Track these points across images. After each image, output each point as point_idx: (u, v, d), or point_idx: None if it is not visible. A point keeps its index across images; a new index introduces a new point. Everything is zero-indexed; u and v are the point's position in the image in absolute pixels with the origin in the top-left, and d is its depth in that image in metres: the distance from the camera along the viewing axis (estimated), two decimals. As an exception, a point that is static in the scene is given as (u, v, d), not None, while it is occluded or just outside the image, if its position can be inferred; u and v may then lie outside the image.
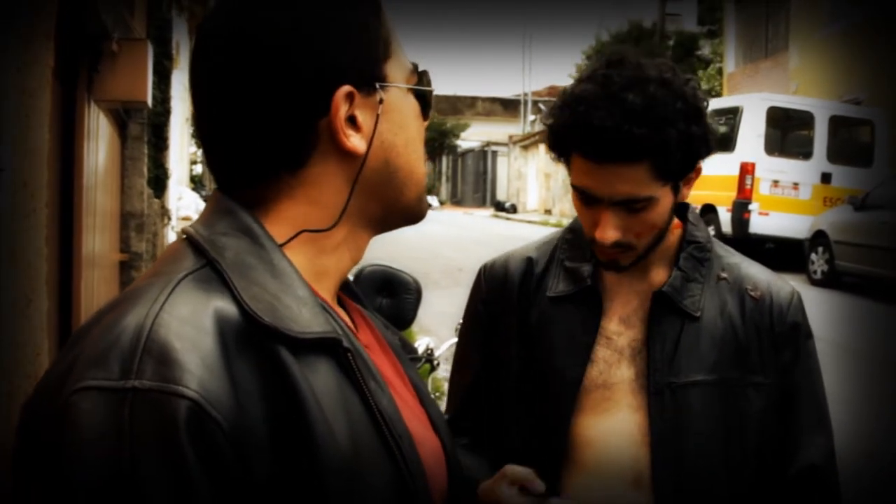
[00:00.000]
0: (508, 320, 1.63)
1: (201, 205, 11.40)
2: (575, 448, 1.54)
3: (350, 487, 0.84)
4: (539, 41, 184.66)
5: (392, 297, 2.31)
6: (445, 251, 16.03)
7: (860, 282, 11.46)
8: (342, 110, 0.93)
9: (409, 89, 1.00)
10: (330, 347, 0.88)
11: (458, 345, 1.74)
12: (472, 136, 45.47)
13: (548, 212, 31.92)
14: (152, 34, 7.33)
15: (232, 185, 0.95)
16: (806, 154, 13.48)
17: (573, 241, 1.65)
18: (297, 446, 0.82)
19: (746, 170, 12.93)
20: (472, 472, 1.41)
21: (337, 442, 0.84)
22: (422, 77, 1.03)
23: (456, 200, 47.33)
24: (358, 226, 0.99)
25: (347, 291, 1.06)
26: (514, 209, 36.02)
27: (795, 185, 13.23)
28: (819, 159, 13.41)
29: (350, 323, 1.00)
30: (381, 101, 0.96)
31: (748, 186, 12.96)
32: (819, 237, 11.95)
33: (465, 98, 49.51)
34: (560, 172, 29.15)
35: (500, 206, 37.05)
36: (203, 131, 0.96)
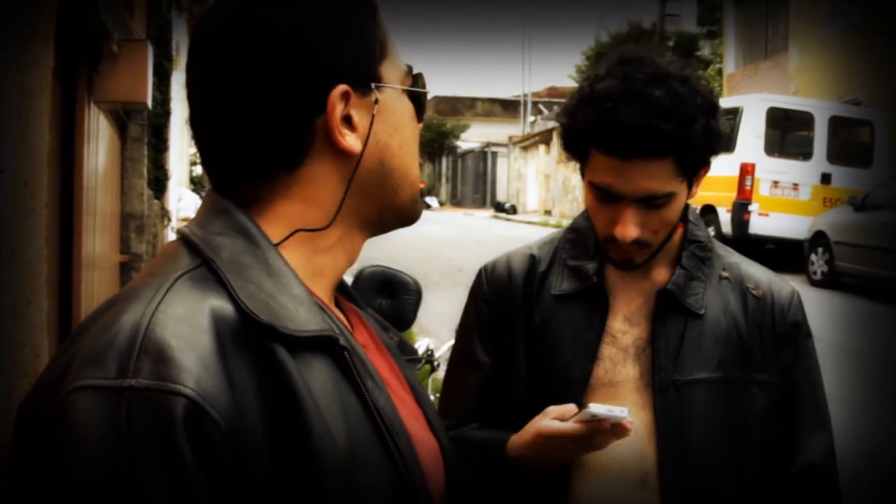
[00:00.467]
0: (512, 320, 1.62)
1: (201, 206, 11.35)
2: None
3: (347, 486, 0.84)
4: (538, 42, 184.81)
5: (392, 298, 2.31)
6: (445, 252, 16.02)
7: (860, 282, 11.45)
8: (338, 109, 0.93)
9: (404, 91, 1.01)
10: (327, 346, 0.88)
11: (458, 346, 1.72)
12: (471, 137, 45.45)
13: (548, 213, 31.90)
14: (152, 35, 7.33)
15: (227, 185, 0.96)
16: (806, 155, 13.48)
17: (576, 241, 1.65)
18: (293, 445, 0.82)
19: (746, 170, 12.92)
20: (495, 435, 1.51)
21: (334, 440, 0.84)
22: (416, 79, 1.03)
23: (456, 201, 47.33)
24: (353, 226, 0.99)
25: (343, 292, 1.07)
26: (513, 210, 36.00)
27: (795, 186, 13.22)
28: (819, 160, 13.41)
29: (346, 323, 1.00)
30: (376, 102, 0.97)
31: (748, 187, 12.96)
32: (819, 238, 11.95)
33: (465, 99, 49.49)
34: (560, 173, 29.14)
35: (499, 207, 37.03)
36: (199, 130, 0.97)
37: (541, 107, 41.46)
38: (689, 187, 1.53)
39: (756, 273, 1.64)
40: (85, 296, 5.18)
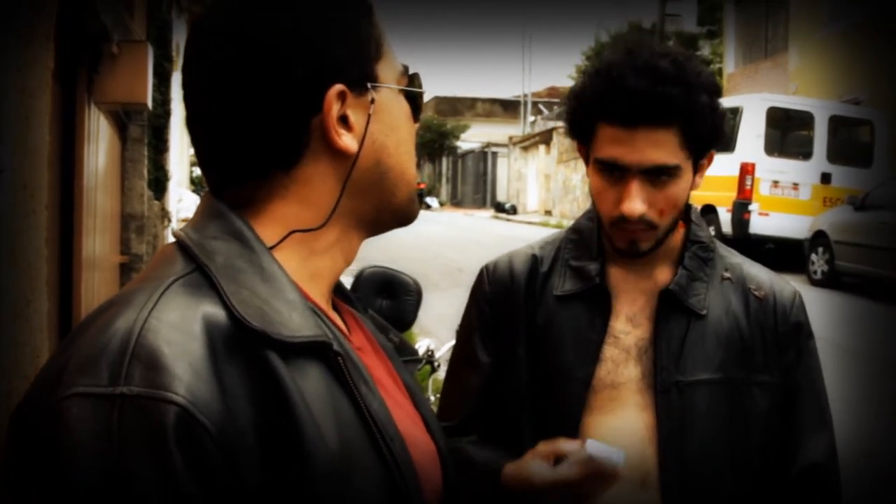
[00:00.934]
0: (514, 321, 1.62)
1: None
2: None
3: (340, 491, 0.84)
4: (539, 42, 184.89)
5: (392, 299, 2.31)
6: (445, 252, 16.02)
7: (860, 282, 11.46)
8: (334, 109, 0.93)
9: (401, 91, 1.01)
10: (320, 351, 0.88)
11: (459, 346, 1.72)
12: (471, 138, 45.45)
13: (548, 213, 31.87)
14: (152, 36, 7.33)
15: (224, 185, 0.96)
16: (806, 154, 13.48)
17: (578, 241, 1.65)
18: (286, 451, 0.82)
19: (746, 170, 12.92)
20: (490, 462, 1.46)
21: (327, 446, 0.84)
22: (413, 79, 1.03)
23: (456, 201, 47.32)
24: (350, 226, 0.99)
25: (339, 294, 1.06)
26: (514, 210, 35.97)
27: (795, 186, 13.23)
28: (819, 159, 13.41)
29: (342, 326, 1.00)
30: (372, 102, 0.97)
31: (748, 187, 12.96)
32: (819, 237, 11.95)
33: (465, 99, 49.52)
34: (560, 174, 29.14)
35: (500, 208, 37.01)
36: (197, 129, 0.97)
37: (541, 107, 41.46)
38: (695, 170, 1.53)
39: (758, 274, 1.64)
40: (85, 297, 5.18)
